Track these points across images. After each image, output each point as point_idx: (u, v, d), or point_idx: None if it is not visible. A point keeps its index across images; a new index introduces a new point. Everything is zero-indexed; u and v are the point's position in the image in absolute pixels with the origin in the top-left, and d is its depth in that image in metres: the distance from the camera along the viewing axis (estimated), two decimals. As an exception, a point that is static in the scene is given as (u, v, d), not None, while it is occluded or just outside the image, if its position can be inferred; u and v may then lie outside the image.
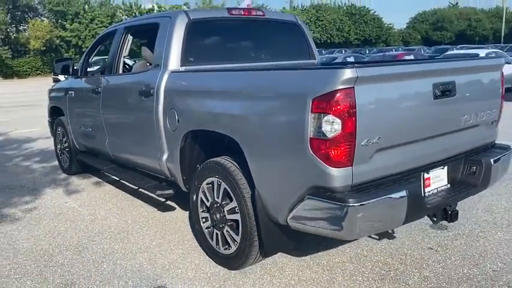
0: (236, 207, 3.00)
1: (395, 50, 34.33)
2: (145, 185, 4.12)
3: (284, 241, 2.96)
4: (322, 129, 2.34)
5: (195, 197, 3.40)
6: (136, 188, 4.98)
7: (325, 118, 2.33)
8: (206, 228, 3.36)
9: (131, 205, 4.71)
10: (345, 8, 61.31)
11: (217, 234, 3.24)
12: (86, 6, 38.38)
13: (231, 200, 3.05)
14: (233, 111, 2.93)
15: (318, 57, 4.73)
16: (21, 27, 36.47)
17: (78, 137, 5.46)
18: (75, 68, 5.33)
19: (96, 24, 37.16)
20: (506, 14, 60.33)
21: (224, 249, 3.20)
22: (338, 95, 2.30)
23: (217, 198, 3.17)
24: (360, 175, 2.45)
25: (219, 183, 3.13)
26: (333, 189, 2.42)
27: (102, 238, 3.87)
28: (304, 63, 4.49)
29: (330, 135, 2.33)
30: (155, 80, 3.67)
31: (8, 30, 34.93)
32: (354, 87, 2.31)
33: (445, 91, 2.78)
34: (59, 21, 36.83)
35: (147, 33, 4.25)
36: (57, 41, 35.73)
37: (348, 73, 2.28)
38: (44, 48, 34.75)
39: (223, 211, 3.13)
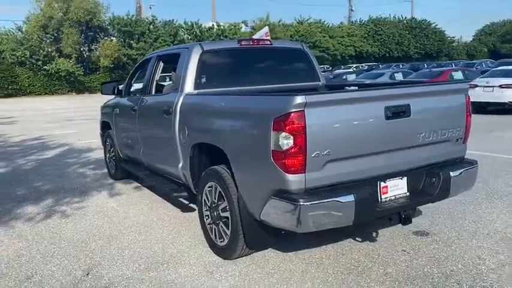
0: (227, 206, 3.66)
1: (454, 65, 33.50)
2: (166, 188, 4.88)
3: (264, 236, 3.56)
4: (279, 143, 2.96)
5: (200, 198, 4.10)
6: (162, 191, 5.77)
7: (282, 134, 2.95)
8: (208, 224, 4.04)
9: (160, 206, 5.50)
10: (405, 21, 60.32)
11: (215, 229, 3.91)
12: (151, 26, 40.96)
13: (224, 201, 3.71)
14: (221, 127, 3.62)
15: (323, 79, 5.29)
16: (92, 46, 39.65)
17: (122, 148, 6.38)
18: (119, 88, 6.27)
19: (160, 42, 39.54)
20: None
21: (220, 241, 3.86)
22: (291, 116, 2.91)
23: (215, 199, 3.85)
24: (312, 180, 3.03)
25: (215, 186, 3.80)
26: (290, 191, 3.03)
27: (129, 231, 4.66)
28: (309, 85, 5.07)
29: (284, 148, 2.95)
30: (174, 100, 4.44)
31: (82, 49, 38.08)
32: (304, 110, 2.91)
33: (399, 112, 3.29)
34: (126, 40, 39.60)
35: (174, 61, 5.05)
36: (124, 59, 38.43)
37: (298, 99, 2.89)
38: (113, 65, 37.51)
39: (219, 210, 3.80)
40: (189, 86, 4.40)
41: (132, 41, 39.43)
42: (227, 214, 3.68)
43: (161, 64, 5.41)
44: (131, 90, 6.31)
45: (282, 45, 5.22)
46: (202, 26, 44.69)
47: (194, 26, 44.17)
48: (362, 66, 43.99)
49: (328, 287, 3.34)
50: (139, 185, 6.58)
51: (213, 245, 3.99)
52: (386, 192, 3.42)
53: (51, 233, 4.70)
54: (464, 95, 3.73)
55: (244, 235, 3.55)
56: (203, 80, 4.46)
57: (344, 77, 20.99)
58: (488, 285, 3.27)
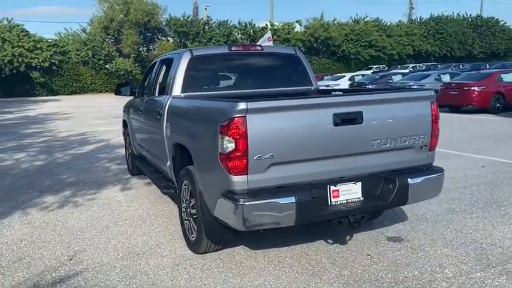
0: (195, 203, 3.91)
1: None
2: (159, 184, 5.22)
3: (221, 232, 3.77)
4: (224, 146, 3.17)
5: (179, 195, 4.38)
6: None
7: (226, 138, 3.15)
8: (185, 220, 4.31)
9: (161, 201, 5.85)
10: (469, 19, 57.36)
11: (188, 224, 4.18)
12: (206, 27, 42.07)
13: (193, 198, 3.97)
14: (187, 129, 3.88)
15: (316, 84, 5.38)
16: (150, 47, 41.43)
17: (134, 145, 6.82)
18: (133, 90, 6.71)
19: (213, 43, 40.47)
20: None
21: (191, 236, 4.12)
22: (234, 121, 3.11)
23: (188, 196, 4.11)
24: (255, 182, 3.21)
25: (188, 185, 4.07)
26: (234, 191, 3.22)
27: (123, 223, 5.04)
28: (300, 89, 5.20)
29: (227, 151, 3.15)
30: (163, 102, 4.76)
31: (140, 49, 39.90)
32: (245, 116, 3.09)
33: (349, 119, 3.37)
34: (182, 40, 40.96)
35: (170, 65, 5.37)
36: (179, 59, 39.85)
37: (240, 105, 3.09)
38: (170, 64, 38.95)
39: (190, 206, 4.06)
40: (177, 89, 4.69)
41: (187, 41, 40.71)
42: (195, 211, 3.93)
43: (164, 67, 5.75)
44: (144, 91, 6.72)
45: (273, 50, 5.37)
46: (256, 26, 45.16)
47: (248, 26, 44.76)
48: (419, 66, 42.50)
49: (279, 283, 3.49)
50: (151, 181, 6.98)
51: (188, 240, 4.26)
52: (338, 196, 3.51)
53: (56, 221, 5.18)
54: (429, 102, 3.72)
55: (205, 231, 3.78)
56: (190, 83, 4.73)
57: (389, 78, 20.54)
58: (434, 293, 3.29)
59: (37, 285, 3.60)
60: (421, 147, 3.74)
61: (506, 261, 3.76)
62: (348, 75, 23.33)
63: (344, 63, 48.58)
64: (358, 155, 3.52)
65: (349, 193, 3.55)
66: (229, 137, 3.12)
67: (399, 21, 55.52)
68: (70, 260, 4.08)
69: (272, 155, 3.19)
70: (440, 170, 3.86)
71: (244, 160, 3.14)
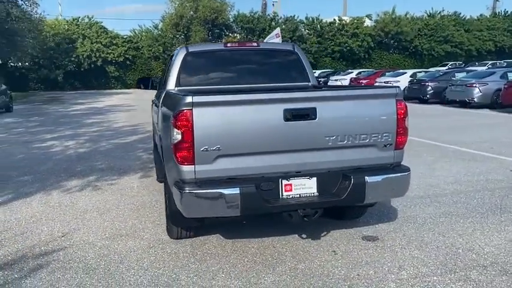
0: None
1: None
2: (157, 173, 5.53)
3: (185, 220, 3.95)
4: (173, 137, 3.37)
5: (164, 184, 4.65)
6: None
7: (175, 130, 3.35)
8: (166, 207, 4.57)
9: (169, 190, 6.19)
10: None
11: (166, 211, 4.44)
12: (272, 23, 42.36)
13: (168, 187, 4.22)
14: (159, 121, 4.12)
15: (314, 80, 5.38)
16: (218, 43, 42.63)
17: (155, 137, 7.23)
18: (154, 83, 7.11)
19: (279, 38, 40.74)
20: None
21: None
22: (181, 114, 3.29)
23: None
24: (203, 172, 3.37)
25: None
26: (184, 180, 3.42)
27: (125, 208, 5.42)
28: (296, 85, 5.24)
29: (175, 142, 3.34)
30: (161, 96, 5.05)
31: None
32: (192, 109, 3.27)
33: (301, 115, 3.42)
34: (248, 36, 41.63)
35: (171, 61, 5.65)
36: (245, 54, 40.63)
37: (187, 99, 3.26)
38: (234, 60, 39.89)
39: (167, 195, 4.32)
40: (171, 84, 4.96)
41: (253, 37, 41.29)
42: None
43: (169, 62, 6.05)
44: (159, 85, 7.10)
45: (270, 46, 5.44)
46: (324, 21, 44.65)
47: (315, 21, 44.40)
48: (500, 63, 39.60)
49: (232, 270, 3.63)
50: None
51: (167, 226, 4.52)
52: (291, 190, 3.57)
53: (69, 203, 5.70)
54: (394, 99, 3.64)
55: (170, 218, 4.01)
56: (184, 78, 4.97)
57: (452, 76, 19.40)
58: (378, 293, 3.26)
59: (24, 256, 4.04)
60: (385, 146, 3.67)
61: (472, 268, 3.59)
62: (410, 71, 22.39)
63: (416, 59, 46.54)
64: (314, 151, 3.55)
65: (303, 188, 3.59)
66: (177, 128, 3.31)
67: (480, 15, 52.01)
68: (62, 236, 4.51)
69: (219, 147, 3.33)
70: (406, 170, 3.76)
71: (191, 151, 3.31)
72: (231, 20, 42.46)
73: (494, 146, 8.81)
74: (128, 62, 38.95)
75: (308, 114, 3.43)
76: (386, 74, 23.87)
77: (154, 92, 6.91)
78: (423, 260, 3.74)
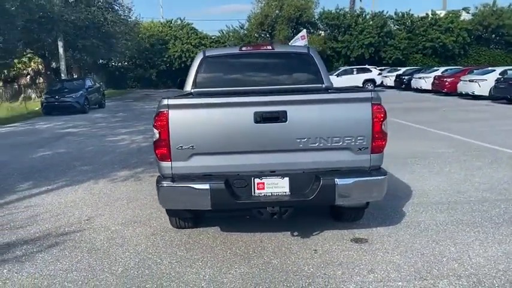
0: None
1: None
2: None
3: (178, 211, 4.31)
4: (154, 136, 3.75)
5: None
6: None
7: (154, 129, 3.73)
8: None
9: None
10: None
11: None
12: (360, 19, 41.37)
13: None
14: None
15: (329, 82, 5.42)
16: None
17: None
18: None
19: (365, 35, 39.66)
20: None
21: (171, 213, 4.78)
22: (158, 115, 3.66)
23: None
24: (179, 168, 3.71)
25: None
26: (163, 175, 3.79)
27: (150, 197, 5.90)
28: (309, 87, 5.34)
29: (155, 140, 3.72)
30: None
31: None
32: (168, 111, 3.62)
33: (270, 118, 3.60)
34: (333, 33, 41.16)
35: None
36: (329, 52, 40.12)
37: (164, 102, 3.62)
38: (317, 57, 39.70)
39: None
40: (189, 85, 5.36)
41: (338, 34, 40.73)
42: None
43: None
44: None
45: (285, 49, 5.55)
46: (414, 16, 42.56)
47: (405, 16, 42.49)
48: None
49: (210, 260, 3.91)
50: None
51: (171, 215, 4.94)
52: (263, 188, 3.75)
53: (107, 191, 6.38)
54: (369, 103, 3.65)
55: (166, 210, 4.41)
56: (201, 81, 5.33)
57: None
58: (333, 292, 3.34)
59: (49, 234, 4.71)
60: (360, 149, 3.69)
61: (445, 277, 3.48)
62: (500, 69, 20.53)
63: (520, 55, 42.49)
64: (286, 152, 3.70)
65: (275, 187, 3.76)
66: (156, 128, 3.69)
67: (509, 6, 45.77)
68: (86, 220, 5.14)
69: (193, 146, 3.64)
70: (382, 174, 3.74)
71: (167, 148, 3.67)
72: (316, 17, 42.23)
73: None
74: (215, 61, 40.71)
75: (278, 117, 3.60)
76: (474, 71, 22.16)
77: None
78: (399, 266, 3.71)
